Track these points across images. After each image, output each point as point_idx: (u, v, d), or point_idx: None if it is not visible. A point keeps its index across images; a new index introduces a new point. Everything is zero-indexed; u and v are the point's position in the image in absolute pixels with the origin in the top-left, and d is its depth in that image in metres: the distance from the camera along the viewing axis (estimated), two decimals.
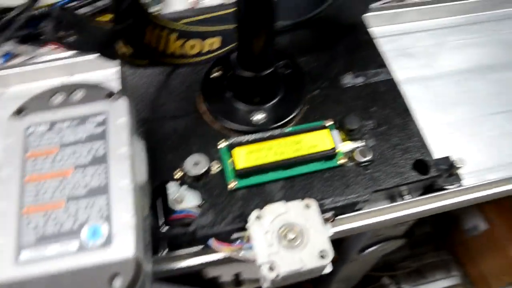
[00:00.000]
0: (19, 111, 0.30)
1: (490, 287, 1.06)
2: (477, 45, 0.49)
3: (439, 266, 1.09)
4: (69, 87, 0.30)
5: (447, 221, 1.07)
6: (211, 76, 0.37)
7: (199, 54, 0.36)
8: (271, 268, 0.28)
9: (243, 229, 0.31)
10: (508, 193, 0.36)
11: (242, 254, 0.30)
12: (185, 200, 0.33)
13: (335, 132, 0.35)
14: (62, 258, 0.24)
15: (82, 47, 0.29)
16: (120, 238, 0.25)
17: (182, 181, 0.33)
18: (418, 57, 0.47)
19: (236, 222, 0.31)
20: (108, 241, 0.25)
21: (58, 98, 0.30)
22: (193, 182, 0.33)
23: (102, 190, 0.26)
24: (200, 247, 0.33)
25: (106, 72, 0.44)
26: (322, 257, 0.29)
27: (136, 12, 0.29)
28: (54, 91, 0.30)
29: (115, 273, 0.24)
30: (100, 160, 0.28)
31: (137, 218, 0.26)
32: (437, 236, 1.10)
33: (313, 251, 0.29)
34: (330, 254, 0.29)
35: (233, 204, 0.32)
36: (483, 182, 0.36)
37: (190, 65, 0.36)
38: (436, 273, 1.08)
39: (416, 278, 1.06)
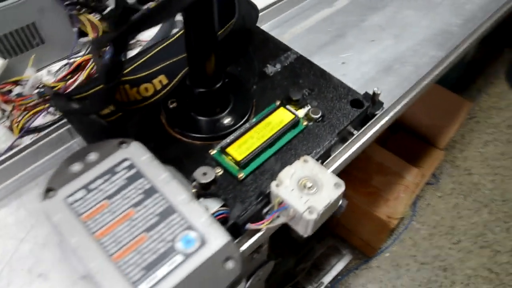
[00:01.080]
0: (48, 192, 0.31)
1: (376, 247, 1.26)
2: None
3: (329, 253, 1.24)
4: (81, 152, 0.33)
5: None
6: (170, 107, 0.43)
7: (155, 92, 0.41)
8: (311, 212, 0.35)
9: (267, 204, 0.38)
10: (422, 91, 0.50)
11: (281, 217, 0.36)
12: (209, 207, 0.37)
13: (288, 107, 0.43)
14: (175, 272, 0.28)
15: (90, 110, 0.32)
16: (210, 233, 0.30)
17: (198, 195, 0.38)
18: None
19: (260, 201, 0.38)
20: (203, 241, 0.29)
21: (76, 166, 0.33)
22: (207, 191, 0.38)
23: (169, 211, 0.31)
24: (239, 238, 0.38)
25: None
26: (337, 187, 0.37)
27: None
28: (69, 162, 0.33)
29: (226, 258, 0.29)
30: (151, 191, 0.31)
31: (210, 215, 0.31)
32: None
33: (329, 186, 0.37)
34: (342, 183, 0.37)
35: (249, 189, 0.38)
36: (398, 99, 0.49)
37: (152, 104, 0.41)
38: (330, 260, 1.23)
39: (316, 274, 1.19)
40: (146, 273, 0.28)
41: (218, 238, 0.29)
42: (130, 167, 0.33)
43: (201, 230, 0.30)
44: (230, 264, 0.28)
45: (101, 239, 0.29)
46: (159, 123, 0.42)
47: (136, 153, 0.33)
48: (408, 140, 1.51)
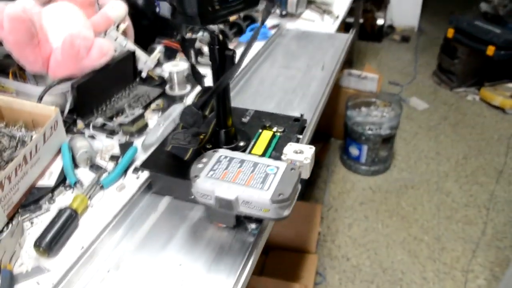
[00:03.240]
0: (195, 177, 0.63)
1: None
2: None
3: None
4: (198, 160, 0.66)
5: None
6: (208, 147, 0.77)
7: (201, 141, 0.76)
8: (306, 159, 0.72)
9: None
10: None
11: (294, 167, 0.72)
12: None
13: (267, 129, 0.81)
14: (274, 179, 0.62)
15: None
16: (278, 164, 0.65)
17: None
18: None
19: None
20: (277, 168, 0.64)
21: (200, 165, 0.65)
22: None
23: (256, 164, 0.65)
24: None
25: None
26: (311, 148, 0.75)
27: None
28: (195, 164, 0.65)
29: (291, 169, 0.64)
30: (243, 161, 0.66)
31: (272, 159, 0.66)
32: None
33: (308, 149, 0.74)
34: (312, 146, 0.75)
35: None
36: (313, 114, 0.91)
37: (200, 148, 0.75)
38: None
39: None
40: (263, 184, 0.62)
41: (282, 164, 0.65)
42: (226, 157, 0.67)
43: (274, 164, 0.65)
44: (294, 171, 0.64)
45: (235, 181, 0.62)
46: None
47: (225, 152, 0.68)
48: (281, 258, 1.61)
